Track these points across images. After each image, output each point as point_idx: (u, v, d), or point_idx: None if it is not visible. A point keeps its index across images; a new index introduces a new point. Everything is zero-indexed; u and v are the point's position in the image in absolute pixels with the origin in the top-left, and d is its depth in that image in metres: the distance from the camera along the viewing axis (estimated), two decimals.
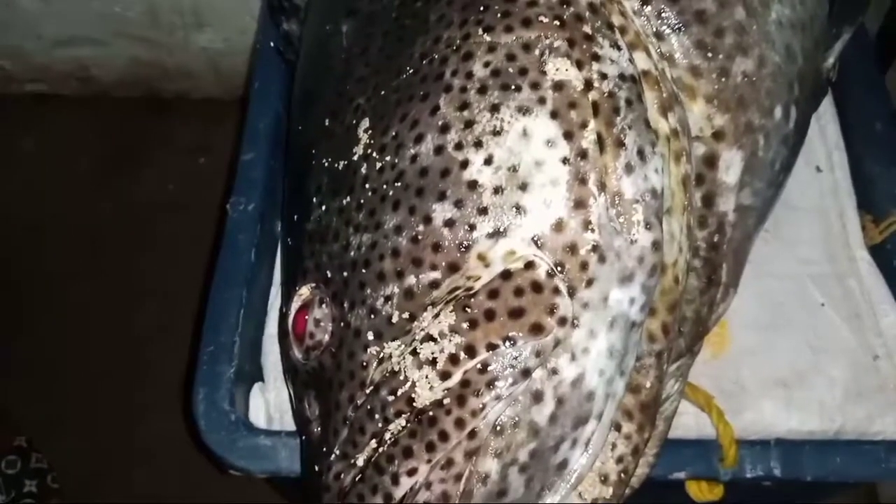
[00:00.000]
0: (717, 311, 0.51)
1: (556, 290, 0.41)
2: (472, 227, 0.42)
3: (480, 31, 0.45)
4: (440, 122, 0.44)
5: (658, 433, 0.49)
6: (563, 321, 0.41)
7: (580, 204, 0.42)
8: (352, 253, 0.46)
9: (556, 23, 0.44)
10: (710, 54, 0.47)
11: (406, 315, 0.43)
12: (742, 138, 0.48)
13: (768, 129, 0.49)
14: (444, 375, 0.41)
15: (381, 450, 0.42)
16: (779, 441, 0.57)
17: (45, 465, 1.00)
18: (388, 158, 0.46)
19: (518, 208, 0.42)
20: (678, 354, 0.49)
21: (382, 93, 0.48)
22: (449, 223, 0.43)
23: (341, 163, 0.49)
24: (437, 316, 0.42)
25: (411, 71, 0.47)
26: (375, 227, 0.45)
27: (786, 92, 0.49)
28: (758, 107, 0.48)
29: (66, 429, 1.04)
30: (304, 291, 0.49)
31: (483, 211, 0.42)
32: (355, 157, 0.48)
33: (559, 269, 0.42)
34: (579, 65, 0.44)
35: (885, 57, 0.89)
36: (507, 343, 0.41)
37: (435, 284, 0.43)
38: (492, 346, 0.41)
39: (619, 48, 0.45)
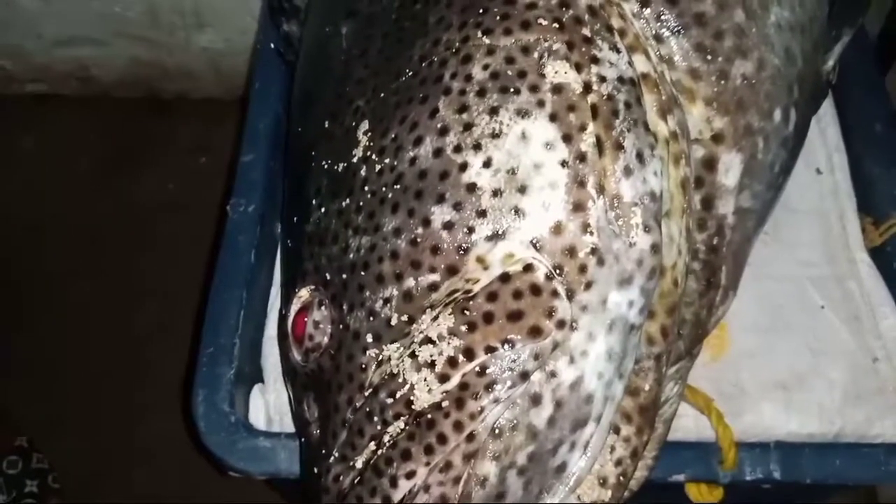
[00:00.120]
0: (717, 313, 0.51)
1: (555, 293, 0.41)
2: (471, 230, 0.42)
3: (479, 34, 0.45)
4: (439, 125, 0.44)
5: (657, 436, 0.49)
6: (561, 324, 0.41)
7: (579, 207, 0.42)
8: (351, 255, 0.46)
9: (555, 25, 0.44)
10: (709, 57, 0.47)
11: (405, 317, 0.43)
12: (741, 141, 0.47)
13: (768, 131, 0.49)
14: (443, 378, 0.41)
15: (379, 452, 0.42)
16: (778, 444, 0.57)
17: (45, 466, 1.00)
18: (387, 161, 0.46)
19: (517, 211, 0.42)
20: (677, 357, 0.49)
21: (382, 95, 0.48)
22: (448, 226, 0.43)
23: (341, 165, 0.49)
24: (435, 318, 0.42)
25: (410, 73, 0.47)
26: (374, 229, 0.45)
27: (785, 94, 0.49)
28: (757, 109, 0.48)
29: (66, 429, 1.04)
30: (304, 293, 0.49)
31: (482, 213, 0.42)
32: (354, 160, 0.48)
33: (558, 271, 0.42)
34: (578, 68, 0.44)
35: (886, 59, 0.89)
36: (506, 346, 0.41)
37: (434, 287, 0.43)
38: (490, 349, 0.41)
39: (618, 51, 0.45)
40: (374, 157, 0.47)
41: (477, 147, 0.43)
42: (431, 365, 0.42)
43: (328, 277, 0.47)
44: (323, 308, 0.47)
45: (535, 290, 0.41)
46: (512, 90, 0.43)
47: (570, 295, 0.42)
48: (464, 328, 0.41)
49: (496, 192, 0.42)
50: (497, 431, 0.41)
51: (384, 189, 0.45)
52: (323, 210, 0.49)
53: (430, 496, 0.41)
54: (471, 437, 0.41)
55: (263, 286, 0.66)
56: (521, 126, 0.43)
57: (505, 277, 0.42)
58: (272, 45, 0.72)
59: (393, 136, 0.46)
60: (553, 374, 0.41)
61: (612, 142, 0.43)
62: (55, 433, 1.03)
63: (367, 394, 0.44)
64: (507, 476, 0.41)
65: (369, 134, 0.48)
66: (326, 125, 0.52)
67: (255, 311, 0.63)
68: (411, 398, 0.42)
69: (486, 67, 0.44)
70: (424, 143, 0.45)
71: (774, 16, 0.49)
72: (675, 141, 0.46)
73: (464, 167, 0.43)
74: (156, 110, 1.29)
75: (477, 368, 0.41)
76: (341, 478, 0.44)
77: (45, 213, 1.20)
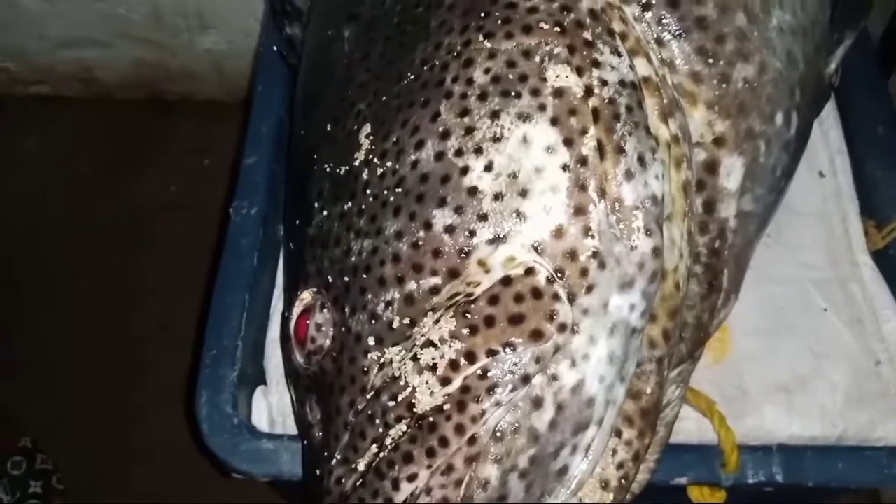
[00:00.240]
0: (719, 316, 0.51)
1: (556, 297, 0.41)
2: (473, 233, 0.43)
3: (481, 38, 0.45)
4: (441, 129, 0.44)
5: (659, 439, 0.49)
6: (562, 327, 0.41)
7: (580, 210, 0.42)
8: (353, 258, 0.46)
9: (557, 29, 0.45)
10: (710, 60, 0.47)
11: (406, 320, 0.43)
12: (743, 144, 0.47)
13: (769, 135, 0.49)
14: (445, 381, 0.41)
15: (381, 455, 0.42)
16: (781, 446, 0.57)
17: (49, 466, 1.00)
18: (388, 164, 0.46)
19: (518, 214, 0.42)
20: (679, 360, 0.49)
21: (384, 98, 0.48)
22: (449, 229, 0.43)
23: (342, 168, 0.49)
24: (437, 322, 0.42)
25: (412, 77, 0.47)
26: (376, 232, 0.45)
27: (787, 98, 0.49)
28: (759, 113, 0.48)
29: (68, 429, 1.04)
30: (306, 296, 0.49)
31: (483, 217, 0.42)
32: (356, 163, 0.48)
33: (559, 275, 0.42)
34: (579, 71, 0.44)
35: (888, 61, 0.89)
36: (507, 349, 0.41)
37: (435, 290, 0.43)
38: (492, 352, 0.41)
39: (619, 54, 0.45)
40: (375, 160, 0.47)
41: (478, 151, 0.43)
42: (433, 368, 0.42)
43: (330, 280, 0.48)
44: (325, 311, 0.48)
45: (537, 293, 0.41)
46: (513, 94, 0.44)
47: (572, 298, 0.42)
48: (465, 331, 0.42)
49: (497, 196, 0.43)
50: (499, 434, 0.41)
51: (386, 192, 0.46)
52: (325, 213, 0.49)
53: (432, 499, 0.41)
54: (472, 440, 0.41)
55: (266, 288, 0.66)
56: (523, 130, 0.43)
57: (506, 281, 0.42)
58: (275, 48, 0.72)
59: (394, 139, 0.46)
60: (554, 378, 0.41)
61: (613, 145, 0.43)
62: (57, 433, 1.03)
63: (368, 396, 0.44)
64: (508, 479, 0.41)
65: (371, 137, 0.48)
66: (328, 128, 0.52)
67: (257, 313, 0.63)
68: (413, 401, 0.42)
69: (487, 71, 0.44)
70: (426, 146, 0.45)
71: (776, 19, 0.49)
72: (677, 144, 0.46)
73: (465, 171, 0.43)
74: (158, 112, 1.30)
75: (478, 371, 0.41)
76: (343, 480, 0.44)
77: (48, 213, 1.20)
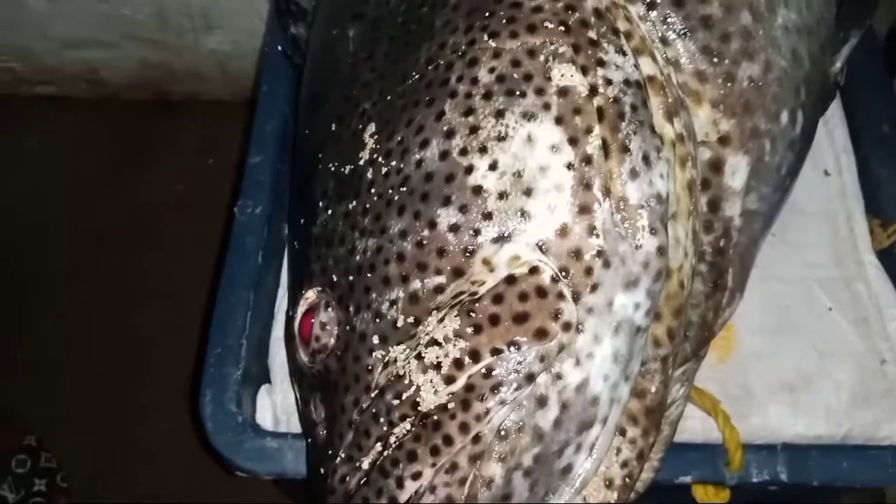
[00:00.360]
0: (723, 315, 0.51)
1: (561, 295, 0.41)
2: (477, 232, 0.43)
3: (486, 37, 0.45)
4: (445, 128, 0.44)
5: (663, 437, 0.49)
6: (567, 326, 0.41)
7: (585, 209, 0.42)
8: (357, 257, 0.46)
9: (562, 28, 0.45)
10: (715, 59, 0.47)
11: (411, 319, 0.43)
12: (748, 143, 0.47)
13: (774, 133, 0.49)
14: (449, 380, 0.41)
15: (385, 453, 0.42)
16: (785, 445, 0.57)
17: (54, 465, 1.01)
18: (393, 163, 0.46)
19: (523, 213, 0.42)
20: (684, 359, 0.49)
21: (388, 98, 0.48)
22: (454, 228, 0.43)
23: (347, 167, 0.49)
24: (441, 320, 0.42)
25: (417, 76, 0.47)
26: (381, 231, 0.45)
27: (792, 97, 0.49)
28: (764, 112, 0.48)
29: (72, 428, 1.04)
30: (311, 295, 0.50)
31: (488, 216, 0.43)
32: (361, 162, 0.48)
33: (564, 274, 0.42)
34: (584, 70, 0.44)
35: (894, 60, 0.89)
36: (512, 348, 0.41)
37: (440, 289, 0.43)
38: (496, 351, 0.41)
39: (624, 53, 0.45)
40: (380, 159, 0.47)
41: (483, 150, 0.43)
42: (437, 367, 0.42)
43: (335, 279, 0.48)
44: (329, 310, 0.48)
45: (541, 292, 0.41)
46: (518, 93, 0.44)
47: (576, 297, 0.42)
48: (470, 330, 0.42)
49: (502, 195, 0.43)
50: (503, 433, 0.41)
51: (390, 191, 0.46)
52: (329, 212, 0.50)
53: (436, 497, 0.41)
54: (477, 439, 0.41)
55: (270, 287, 0.66)
56: (527, 129, 0.43)
57: (511, 280, 0.42)
58: (280, 48, 0.72)
59: (399, 138, 0.46)
60: (559, 376, 0.42)
61: (617, 144, 0.43)
62: (60, 433, 1.03)
63: (373, 395, 0.44)
64: (512, 477, 0.41)
65: (376, 136, 0.48)
66: (333, 128, 0.52)
67: (262, 312, 0.64)
68: (417, 400, 0.42)
69: (492, 70, 0.45)
70: (430, 145, 0.45)
71: (781, 18, 0.49)
72: (682, 143, 0.46)
73: (470, 170, 0.43)
74: (163, 112, 1.30)
75: (483, 370, 0.41)
76: (348, 478, 0.44)
77: (52, 213, 1.20)
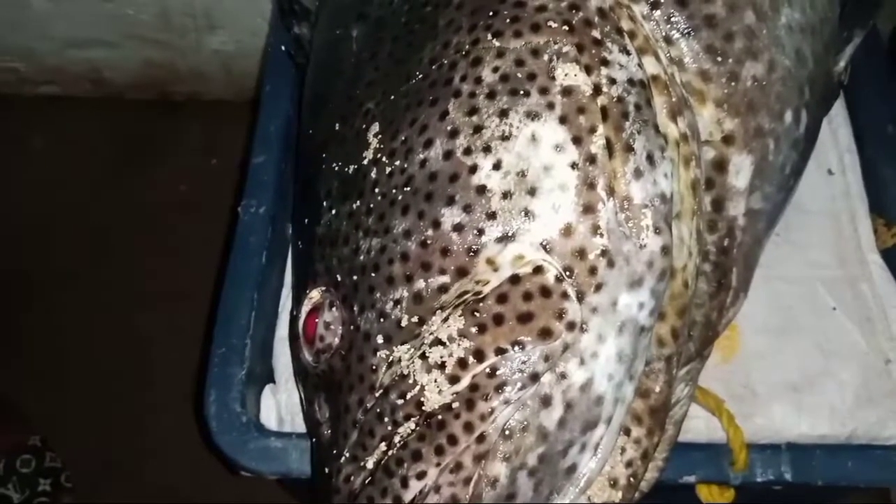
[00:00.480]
0: (727, 315, 0.51)
1: (565, 295, 0.41)
2: (481, 232, 0.43)
3: (489, 37, 0.45)
4: (449, 127, 0.44)
5: (668, 437, 0.49)
6: (571, 326, 0.41)
7: (589, 209, 0.42)
8: (361, 257, 0.46)
9: (565, 28, 0.45)
10: (719, 58, 0.47)
11: (415, 319, 0.43)
12: (752, 143, 0.47)
13: (778, 133, 0.49)
14: (453, 379, 0.41)
15: (390, 453, 0.42)
16: (790, 445, 0.57)
17: (58, 465, 1.01)
18: (397, 163, 0.46)
19: (527, 213, 0.42)
20: (688, 359, 0.49)
21: (392, 97, 0.48)
22: (458, 228, 0.43)
23: (351, 167, 0.49)
24: (445, 320, 0.42)
25: (420, 76, 0.47)
26: (385, 231, 0.45)
27: (796, 96, 0.49)
28: (768, 111, 0.48)
29: (75, 428, 1.04)
30: (315, 295, 0.50)
31: (492, 216, 0.43)
32: (365, 162, 0.48)
33: (568, 273, 0.42)
34: (588, 70, 0.44)
35: None
36: (516, 347, 0.41)
37: (444, 289, 0.43)
38: (500, 351, 0.41)
39: (628, 53, 0.45)
40: (384, 159, 0.47)
41: (487, 149, 0.43)
42: (442, 366, 0.42)
43: (339, 279, 0.48)
44: (334, 309, 0.48)
45: (545, 291, 0.41)
46: (522, 92, 0.44)
47: (581, 297, 0.42)
48: (474, 330, 0.42)
49: (506, 195, 0.43)
50: (507, 432, 0.41)
51: (394, 191, 0.46)
52: (333, 212, 0.50)
53: (441, 497, 0.41)
54: (481, 438, 0.41)
55: (275, 287, 0.66)
56: (531, 128, 0.43)
57: (515, 279, 0.42)
58: (283, 48, 0.72)
59: (403, 138, 0.46)
60: (563, 376, 0.42)
61: (622, 144, 0.43)
62: (64, 432, 1.04)
63: (377, 395, 0.44)
64: (517, 477, 0.41)
65: (379, 136, 0.48)
66: (337, 127, 0.52)
67: (266, 311, 0.64)
68: (422, 399, 0.42)
69: (495, 70, 0.45)
70: (434, 145, 0.45)
71: (785, 17, 0.49)
72: (686, 143, 0.46)
73: (474, 169, 0.43)
74: (167, 112, 1.30)
75: (487, 370, 0.41)
76: (352, 478, 0.44)
77: (55, 213, 1.21)
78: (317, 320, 0.48)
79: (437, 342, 0.42)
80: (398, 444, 0.42)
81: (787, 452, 0.56)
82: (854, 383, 0.60)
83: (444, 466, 0.41)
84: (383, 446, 0.43)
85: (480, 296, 0.42)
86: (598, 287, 0.42)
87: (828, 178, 0.71)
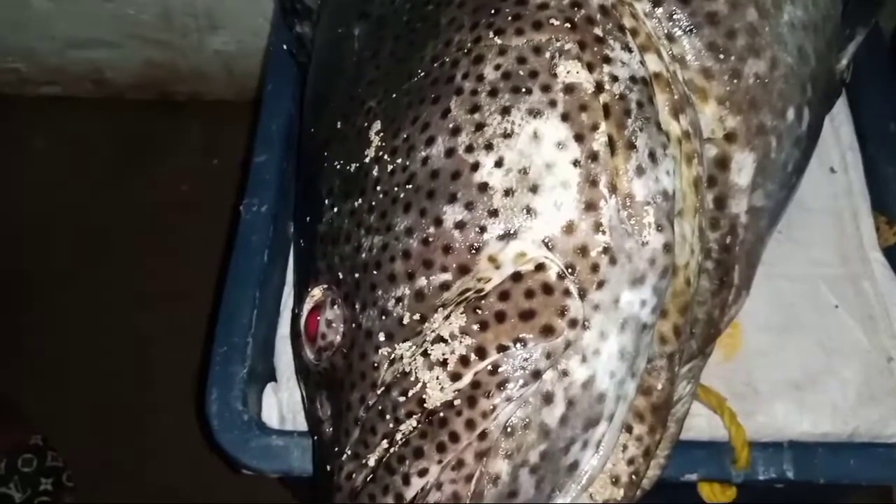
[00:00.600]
0: (730, 312, 0.50)
1: (567, 292, 0.41)
2: (483, 230, 0.43)
3: (491, 35, 0.45)
4: (451, 125, 0.44)
5: (670, 435, 0.49)
6: (573, 323, 0.41)
7: (591, 206, 0.42)
8: (363, 255, 0.46)
9: (567, 25, 0.45)
10: (721, 56, 0.47)
11: (417, 316, 0.43)
12: (754, 140, 0.47)
13: (781, 130, 0.48)
14: (455, 377, 0.41)
15: (392, 450, 0.42)
16: (792, 443, 0.57)
17: (60, 464, 1.01)
18: (399, 161, 0.46)
19: (529, 210, 0.42)
20: (690, 356, 0.49)
21: (394, 96, 0.48)
22: (459, 225, 0.43)
23: (353, 165, 0.49)
24: (447, 317, 0.42)
25: (422, 74, 0.47)
26: (386, 229, 0.45)
27: (798, 94, 0.49)
28: (770, 108, 0.48)
29: (76, 428, 1.04)
30: (316, 293, 0.50)
31: (493, 213, 0.43)
32: (367, 160, 0.48)
33: (570, 271, 0.42)
34: (590, 67, 0.44)
35: None
36: (518, 345, 0.41)
37: (445, 286, 0.43)
38: (502, 348, 0.41)
39: (630, 50, 0.45)
40: (386, 157, 0.47)
41: (489, 147, 0.43)
42: (443, 363, 0.42)
43: (341, 276, 0.48)
44: (335, 307, 0.48)
45: (547, 289, 0.41)
46: (524, 90, 0.44)
47: (583, 294, 0.42)
48: (476, 327, 0.42)
49: (508, 192, 0.43)
50: (509, 430, 0.41)
51: (396, 189, 0.46)
52: (335, 210, 0.50)
53: (443, 494, 0.41)
54: (483, 436, 0.41)
55: (276, 285, 0.66)
56: (533, 126, 0.43)
57: (517, 276, 0.42)
58: (284, 47, 0.72)
59: (405, 136, 0.46)
60: (565, 373, 0.41)
61: (624, 141, 0.43)
62: (65, 432, 1.04)
63: (379, 392, 0.44)
64: (519, 474, 0.41)
65: (381, 134, 0.48)
66: (339, 126, 0.52)
67: (268, 310, 0.64)
68: (423, 396, 0.42)
69: (497, 67, 0.45)
70: (436, 142, 0.45)
71: (787, 14, 0.49)
72: (688, 140, 0.46)
73: (476, 167, 0.43)
74: (168, 112, 1.30)
75: (489, 367, 0.41)
76: (354, 475, 0.44)
77: (57, 212, 1.21)
78: (318, 318, 0.48)
79: (439, 339, 0.42)
80: (400, 442, 0.42)
81: (790, 450, 0.56)
82: (856, 381, 0.60)
83: (445, 464, 0.41)
84: (385, 443, 0.43)
85: (482, 293, 0.42)
86: (601, 284, 0.42)
87: (830, 176, 0.71)
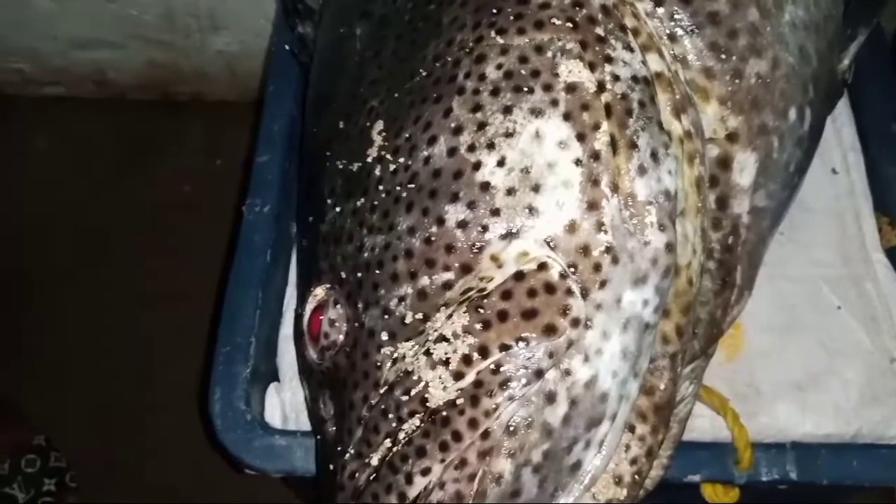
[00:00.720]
0: (732, 313, 0.50)
1: (569, 292, 0.41)
2: (485, 229, 0.43)
3: (493, 34, 0.45)
4: (453, 124, 0.44)
5: (672, 435, 0.49)
6: (576, 322, 0.41)
7: (593, 205, 0.42)
8: (366, 254, 0.46)
9: (569, 25, 0.45)
10: (723, 56, 0.47)
11: (419, 315, 0.43)
12: (756, 140, 0.47)
13: (782, 130, 0.48)
14: (458, 376, 0.41)
15: (395, 449, 0.42)
16: (795, 444, 0.57)
17: (63, 464, 1.01)
18: (401, 160, 0.46)
19: (531, 209, 0.42)
20: (692, 356, 0.49)
21: (396, 95, 0.49)
22: (462, 224, 0.43)
23: (355, 165, 0.49)
24: (450, 317, 0.42)
25: (424, 73, 0.47)
26: (389, 228, 0.45)
27: (800, 94, 0.49)
28: (772, 108, 0.48)
29: (76, 429, 1.04)
30: (319, 292, 0.50)
31: (496, 212, 0.43)
32: (369, 159, 0.48)
33: (572, 270, 0.42)
34: (592, 67, 0.44)
35: None
36: (520, 344, 0.41)
37: (448, 285, 0.43)
38: (505, 347, 0.41)
39: (631, 50, 0.45)
40: (388, 156, 0.47)
41: (491, 146, 0.43)
42: (446, 363, 0.42)
43: (343, 276, 0.48)
44: (338, 306, 0.48)
45: (550, 288, 0.41)
46: (525, 89, 0.44)
47: (585, 293, 0.42)
48: (478, 326, 0.42)
49: (510, 191, 0.43)
50: (512, 429, 0.41)
51: (398, 188, 0.46)
52: (338, 209, 0.50)
53: (446, 493, 0.41)
54: (486, 435, 0.41)
55: (279, 285, 0.66)
56: (535, 125, 0.43)
57: (519, 276, 0.42)
58: (287, 47, 0.72)
59: (407, 135, 0.46)
60: (568, 373, 0.41)
61: (626, 140, 0.43)
62: (68, 433, 1.04)
63: (382, 391, 0.44)
64: (522, 473, 0.41)
65: (384, 134, 0.48)
66: (341, 125, 0.52)
67: (270, 310, 0.64)
68: (426, 396, 0.42)
69: (499, 67, 0.45)
70: (438, 142, 0.45)
71: (789, 14, 0.49)
72: (690, 140, 0.46)
73: (477, 166, 0.43)
74: (170, 112, 1.30)
75: (491, 366, 0.41)
76: (357, 475, 0.44)
77: (59, 213, 1.21)
78: (321, 318, 0.48)
79: (442, 339, 0.42)
80: (403, 441, 0.42)
81: (792, 451, 0.56)
82: (859, 382, 0.60)
83: (448, 463, 0.41)
84: (388, 443, 0.43)
85: (485, 292, 0.42)
86: (603, 284, 0.42)
87: (832, 176, 0.71)
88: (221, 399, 0.58)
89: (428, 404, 0.42)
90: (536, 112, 0.43)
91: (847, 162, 0.71)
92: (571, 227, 0.42)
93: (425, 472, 0.41)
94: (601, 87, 0.43)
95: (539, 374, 0.41)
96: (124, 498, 1.01)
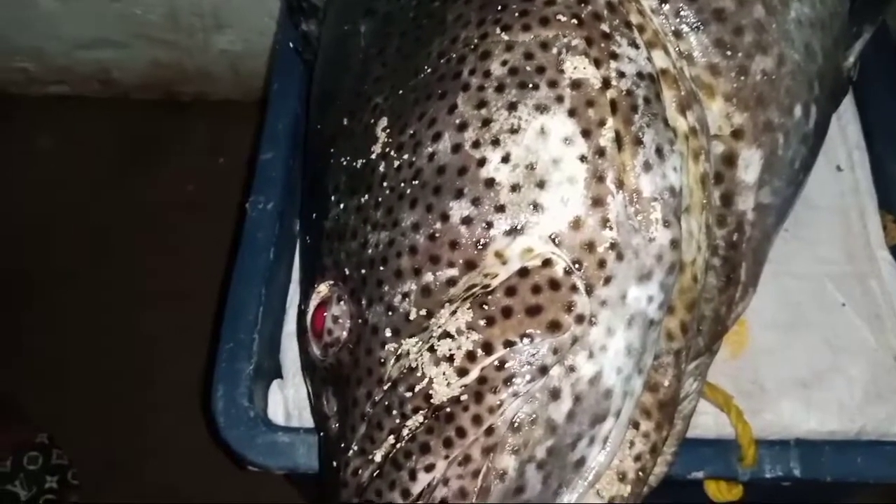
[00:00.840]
0: (736, 310, 0.50)
1: (574, 288, 0.41)
2: (490, 225, 0.43)
3: (498, 30, 0.45)
4: (458, 121, 0.44)
5: (676, 432, 0.49)
6: (580, 319, 0.41)
7: (598, 201, 0.42)
8: (369, 251, 0.46)
9: (574, 21, 0.45)
10: (728, 52, 0.47)
11: (423, 312, 0.43)
12: (761, 137, 0.47)
13: (788, 127, 0.48)
14: (462, 372, 0.41)
15: (398, 446, 0.42)
16: (799, 441, 0.57)
17: (65, 462, 1.01)
18: (405, 157, 0.46)
19: (535, 206, 0.42)
20: (697, 353, 0.49)
21: (400, 92, 0.49)
22: (466, 221, 0.43)
23: (359, 161, 0.49)
24: (454, 313, 0.42)
25: (429, 70, 0.47)
26: (393, 224, 0.45)
27: (805, 91, 0.49)
28: (777, 105, 0.48)
29: (77, 428, 1.05)
30: (323, 289, 0.50)
31: (500, 208, 0.42)
32: (373, 156, 0.48)
33: (577, 266, 0.42)
34: (597, 63, 0.44)
35: None
36: (525, 340, 0.41)
37: (452, 282, 0.43)
38: (509, 343, 0.41)
39: (637, 46, 0.45)
40: (392, 153, 0.47)
41: (495, 142, 0.43)
42: (450, 359, 0.42)
43: (347, 273, 0.48)
44: (342, 303, 0.48)
45: (554, 284, 0.41)
46: (530, 86, 0.44)
47: (590, 290, 0.42)
48: (482, 322, 0.42)
49: (515, 187, 0.43)
50: (516, 425, 0.41)
51: (402, 185, 0.46)
52: (342, 206, 0.50)
53: (449, 489, 0.41)
54: (490, 431, 0.41)
55: (282, 282, 0.66)
56: (540, 121, 0.43)
57: (523, 272, 0.42)
58: (290, 44, 0.73)
59: (411, 132, 0.46)
60: (572, 369, 0.41)
61: (631, 137, 0.43)
62: (70, 431, 1.04)
63: (385, 388, 0.44)
64: (526, 470, 0.41)
65: (388, 131, 0.48)
66: (345, 122, 0.52)
67: (273, 307, 0.64)
68: (430, 392, 0.42)
69: (504, 63, 0.45)
70: (443, 138, 0.45)
71: (794, 11, 0.49)
72: (695, 136, 0.46)
73: (482, 162, 0.43)
74: (174, 111, 1.31)
75: (496, 363, 0.41)
76: (360, 471, 0.44)
77: (62, 212, 1.21)
78: (325, 314, 0.48)
79: (446, 335, 0.42)
80: (406, 437, 0.42)
81: (796, 448, 0.56)
82: (863, 379, 0.60)
83: (452, 459, 0.41)
84: (391, 439, 0.43)
85: (489, 289, 0.42)
86: (608, 280, 0.42)
87: (837, 174, 0.70)
88: (224, 396, 0.58)
89: (432, 401, 0.42)
90: (541, 108, 0.43)
91: (852, 159, 0.71)
92: (576, 224, 0.42)
93: (429, 468, 0.41)
94: (606, 83, 0.43)
95: (543, 370, 0.41)
96: (125, 497, 1.01)
